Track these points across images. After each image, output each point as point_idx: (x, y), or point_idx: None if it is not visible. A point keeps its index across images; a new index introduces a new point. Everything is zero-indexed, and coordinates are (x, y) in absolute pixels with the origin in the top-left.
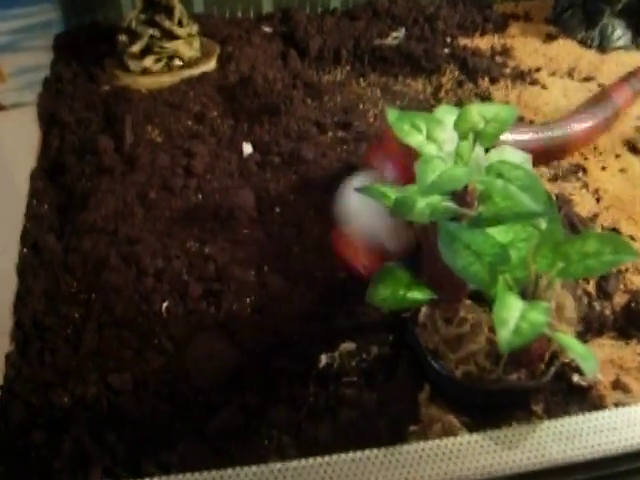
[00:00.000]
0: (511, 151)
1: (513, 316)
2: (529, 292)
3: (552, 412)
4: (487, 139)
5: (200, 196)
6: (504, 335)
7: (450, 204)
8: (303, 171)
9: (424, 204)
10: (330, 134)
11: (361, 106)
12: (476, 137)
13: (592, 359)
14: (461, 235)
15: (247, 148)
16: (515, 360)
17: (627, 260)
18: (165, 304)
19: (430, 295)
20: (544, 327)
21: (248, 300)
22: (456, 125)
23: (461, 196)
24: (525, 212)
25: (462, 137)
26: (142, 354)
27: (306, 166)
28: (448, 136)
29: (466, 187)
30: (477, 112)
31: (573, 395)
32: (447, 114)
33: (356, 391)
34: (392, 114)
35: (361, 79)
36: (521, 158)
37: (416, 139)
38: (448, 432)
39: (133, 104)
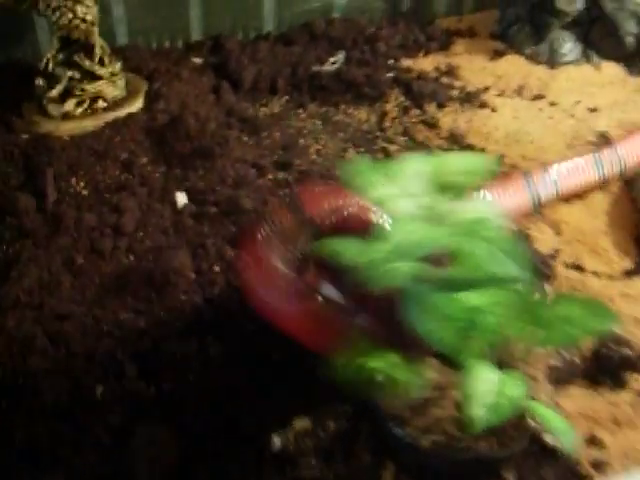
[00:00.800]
0: (485, 204)
1: (489, 391)
2: (503, 359)
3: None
4: (461, 192)
5: (132, 258)
6: (478, 413)
7: (425, 266)
8: (243, 222)
9: (395, 266)
10: (270, 176)
11: (301, 141)
12: (449, 190)
13: (571, 433)
14: (428, 298)
15: (181, 198)
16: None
17: (609, 326)
18: (100, 389)
19: (393, 361)
20: (523, 401)
21: (190, 377)
22: (429, 177)
23: (438, 259)
24: (505, 277)
25: (435, 190)
26: (78, 449)
27: (246, 216)
28: (418, 188)
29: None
30: (451, 163)
31: (546, 457)
32: (415, 163)
33: (315, 473)
34: (360, 165)
35: (300, 110)
36: (495, 212)
37: (386, 192)
38: None
39: (55, 154)
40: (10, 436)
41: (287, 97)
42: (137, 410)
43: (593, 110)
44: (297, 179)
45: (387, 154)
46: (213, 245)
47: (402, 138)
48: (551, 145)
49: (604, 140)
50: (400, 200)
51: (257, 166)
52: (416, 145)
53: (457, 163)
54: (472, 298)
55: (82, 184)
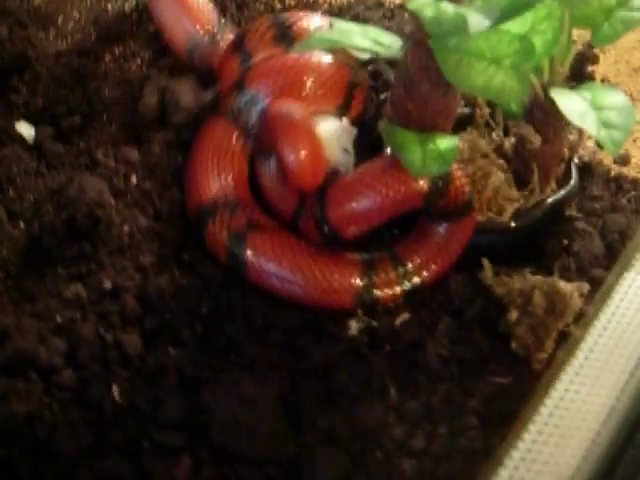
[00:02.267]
0: None
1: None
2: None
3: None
4: None
5: (22, 224)
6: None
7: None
8: (114, 111)
9: None
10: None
11: None
12: None
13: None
14: (471, 44)
15: (26, 129)
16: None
17: None
18: (114, 389)
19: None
20: None
21: (203, 310)
22: None
23: None
24: None
25: None
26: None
27: (117, 107)
28: None
29: None
30: None
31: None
32: None
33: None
34: None
35: None
36: None
37: None
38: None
39: None
40: None
41: None
42: (186, 385)
43: None
44: (105, 35)
45: None
46: (104, 155)
47: None
48: None
49: None
50: None
51: (82, 51)
52: None
53: None
54: (514, 26)
55: None
